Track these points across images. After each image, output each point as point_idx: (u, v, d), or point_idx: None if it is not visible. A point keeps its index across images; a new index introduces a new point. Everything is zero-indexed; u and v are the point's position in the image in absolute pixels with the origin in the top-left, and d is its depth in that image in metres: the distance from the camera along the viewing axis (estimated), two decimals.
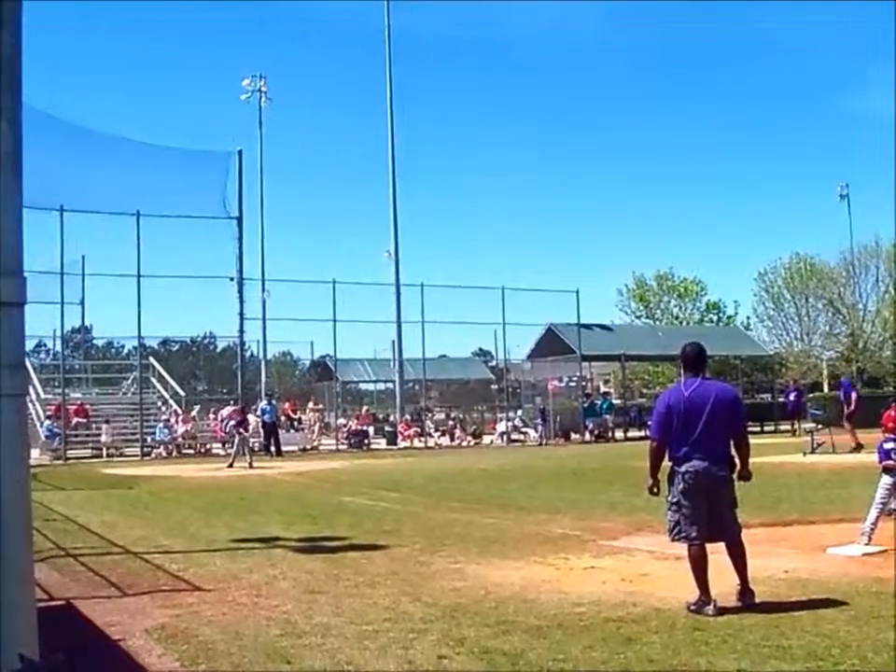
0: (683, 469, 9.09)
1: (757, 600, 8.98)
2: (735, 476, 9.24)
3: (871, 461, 13.13)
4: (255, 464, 33.08)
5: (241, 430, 35.40)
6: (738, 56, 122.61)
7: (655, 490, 9.55)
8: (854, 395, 32.83)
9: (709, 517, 9.08)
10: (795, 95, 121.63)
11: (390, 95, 56.35)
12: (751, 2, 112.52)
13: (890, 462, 12.24)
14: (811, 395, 53.79)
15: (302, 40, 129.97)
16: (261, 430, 42.53)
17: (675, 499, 9.18)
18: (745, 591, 9.07)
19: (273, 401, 44.52)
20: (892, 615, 8.38)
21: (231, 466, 32.61)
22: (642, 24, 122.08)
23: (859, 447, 29.48)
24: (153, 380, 48.44)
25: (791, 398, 43.84)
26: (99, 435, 42.69)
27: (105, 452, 42.11)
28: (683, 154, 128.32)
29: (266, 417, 42.07)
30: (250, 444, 36.62)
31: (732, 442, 9.23)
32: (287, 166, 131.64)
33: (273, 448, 41.17)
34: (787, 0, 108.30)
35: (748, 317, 78.41)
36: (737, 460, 9.24)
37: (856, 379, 59.13)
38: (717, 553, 9.15)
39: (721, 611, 8.64)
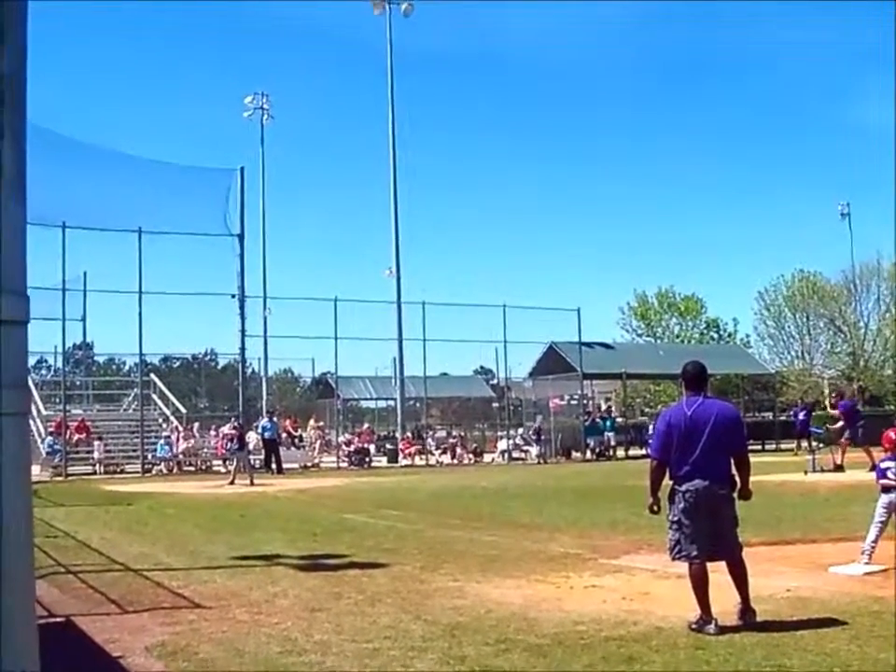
0: (684, 487, 9.07)
1: (758, 619, 8.97)
2: (735, 495, 9.22)
3: (871, 480, 13.13)
4: (256, 481, 33.03)
5: (239, 448, 35.41)
6: (740, 73, 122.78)
7: (656, 509, 9.52)
8: (840, 410, 32.56)
9: (711, 536, 9.06)
10: (797, 113, 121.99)
11: (392, 113, 56.46)
12: (754, 17, 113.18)
13: (887, 481, 12.24)
14: (812, 414, 53.86)
15: (304, 57, 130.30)
16: (262, 447, 42.50)
17: (675, 518, 9.15)
18: (746, 610, 9.05)
19: (275, 418, 44.50)
20: (893, 634, 8.37)
21: (232, 483, 32.59)
22: (642, 39, 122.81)
23: (838, 468, 29.82)
24: (154, 396, 48.49)
25: (801, 416, 43.75)
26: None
27: (98, 468, 42.12)
28: (685, 172, 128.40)
29: (267, 434, 42.00)
30: (251, 461, 36.57)
31: (733, 461, 9.22)
32: (289, 183, 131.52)
33: (273, 465, 41.11)
34: (790, 15, 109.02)
35: (747, 335, 78.67)
36: (738, 479, 9.23)
37: (858, 397, 59.11)
38: (718, 572, 9.14)
39: (723, 630, 8.63)
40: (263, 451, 42.20)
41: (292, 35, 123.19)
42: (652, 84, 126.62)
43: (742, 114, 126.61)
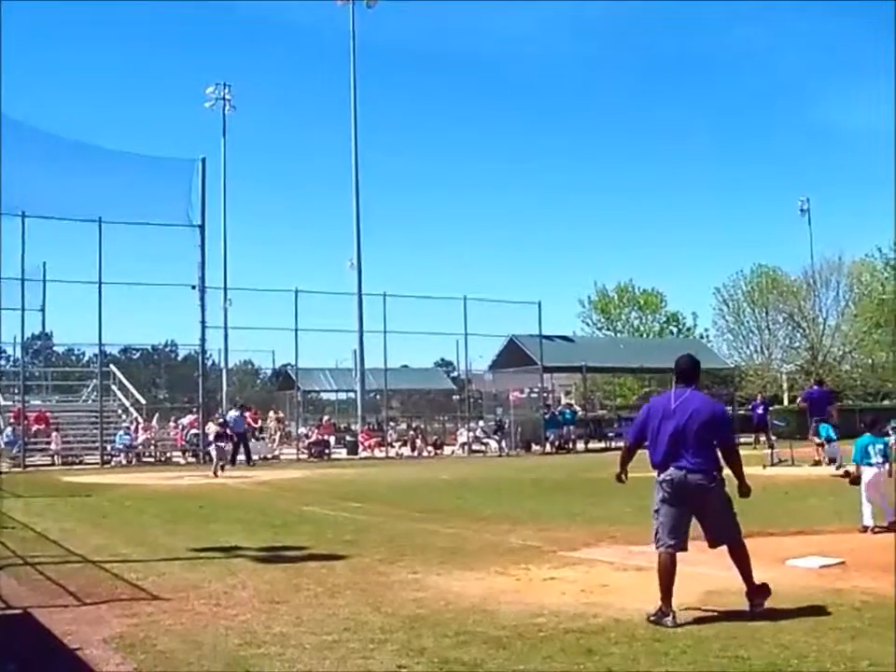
0: (661, 477, 9.23)
1: (716, 611, 9.04)
2: (739, 491, 9.40)
3: (828, 474, 13.24)
4: (218, 473, 32.73)
5: (219, 443, 34.93)
6: (701, 69, 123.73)
7: (623, 478, 9.86)
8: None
9: (704, 524, 9.26)
10: (757, 110, 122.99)
11: (354, 105, 56.45)
12: (716, 17, 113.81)
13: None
14: (771, 407, 54.25)
15: (267, 49, 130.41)
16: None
17: (656, 507, 9.31)
18: (751, 592, 9.25)
19: (245, 411, 44.29)
20: (849, 626, 8.46)
21: (216, 475, 32.16)
22: (604, 38, 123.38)
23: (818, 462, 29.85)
24: (114, 387, 48.30)
25: (759, 411, 43.92)
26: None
27: (57, 459, 41.96)
28: (645, 167, 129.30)
29: (235, 426, 41.51)
30: (226, 455, 35.95)
31: (721, 454, 9.33)
32: (251, 174, 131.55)
33: (240, 456, 40.64)
34: (751, 16, 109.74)
35: (706, 329, 79.02)
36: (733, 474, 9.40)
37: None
38: (681, 564, 9.17)
39: (679, 624, 8.67)
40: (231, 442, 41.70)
41: (255, 26, 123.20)
42: (614, 83, 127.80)
43: (702, 111, 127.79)
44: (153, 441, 45.30)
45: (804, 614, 9.01)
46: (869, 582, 10.58)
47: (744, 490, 9.42)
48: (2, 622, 9.64)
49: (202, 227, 45.03)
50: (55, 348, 62.01)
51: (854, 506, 15.02)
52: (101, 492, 25.96)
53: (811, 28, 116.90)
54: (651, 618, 8.81)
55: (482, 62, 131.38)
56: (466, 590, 10.68)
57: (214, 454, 34.55)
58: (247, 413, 48.69)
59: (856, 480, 14.74)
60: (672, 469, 9.13)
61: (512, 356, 54.18)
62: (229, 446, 36.25)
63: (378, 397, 57.83)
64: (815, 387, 33.04)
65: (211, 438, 37.03)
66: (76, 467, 40.35)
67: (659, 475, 9.26)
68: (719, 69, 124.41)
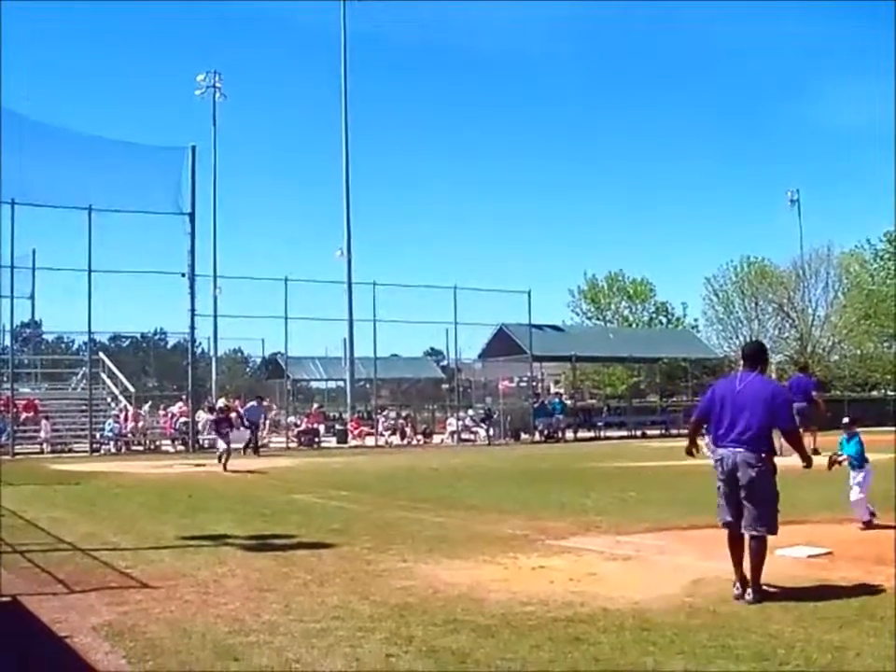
0: (717, 454, 9.65)
1: (703, 601, 9.08)
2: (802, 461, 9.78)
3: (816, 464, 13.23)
4: (206, 462, 32.64)
5: (222, 431, 34.46)
6: (691, 62, 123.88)
7: (695, 451, 10.40)
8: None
9: (739, 506, 9.54)
10: (748, 102, 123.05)
11: (345, 95, 56.32)
12: (706, 12, 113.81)
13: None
14: None
15: (259, 38, 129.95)
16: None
17: (717, 485, 9.77)
18: (753, 587, 9.36)
19: (265, 402, 44.19)
20: (836, 616, 8.48)
21: (224, 468, 31.74)
22: (596, 34, 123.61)
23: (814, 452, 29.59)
24: (103, 375, 48.16)
25: None
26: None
27: (44, 448, 41.94)
28: (636, 158, 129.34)
29: (253, 416, 41.20)
30: (230, 444, 35.43)
31: (783, 437, 9.82)
32: (241, 163, 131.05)
33: (251, 446, 40.39)
34: (740, 11, 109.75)
35: (695, 319, 78.89)
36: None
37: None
38: (667, 555, 9.20)
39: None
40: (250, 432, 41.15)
41: (247, 14, 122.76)
42: (606, 78, 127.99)
43: (693, 105, 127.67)
44: (142, 430, 45.25)
45: (791, 604, 9.04)
46: (856, 573, 10.61)
47: (805, 462, 9.75)
48: None
49: (191, 215, 45.01)
50: (44, 336, 61.90)
51: (842, 496, 14.99)
52: (90, 480, 25.93)
53: (801, 24, 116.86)
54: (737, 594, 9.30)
55: (472, 55, 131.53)
56: (454, 578, 10.69)
57: (220, 444, 33.91)
58: (236, 402, 48.51)
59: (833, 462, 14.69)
60: (723, 449, 9.53)
61: (502, 345, 54.13)
62: (234, 433, 35.88)
63: (368, 385, 57.82)
64: (798, 374, 32.87)
65: (202, 426, 36.94)
66: (64, 455, 40.29)
67: (716, 452, 9.64)
68: (709, 65, 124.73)
